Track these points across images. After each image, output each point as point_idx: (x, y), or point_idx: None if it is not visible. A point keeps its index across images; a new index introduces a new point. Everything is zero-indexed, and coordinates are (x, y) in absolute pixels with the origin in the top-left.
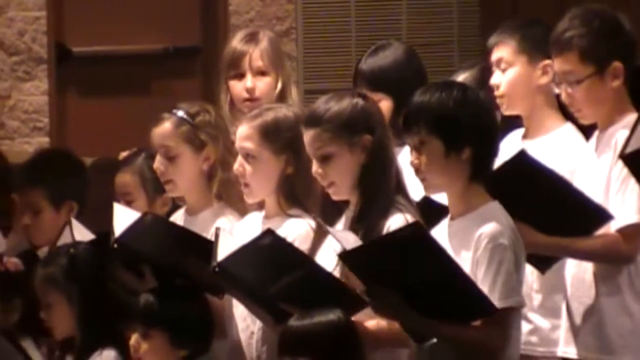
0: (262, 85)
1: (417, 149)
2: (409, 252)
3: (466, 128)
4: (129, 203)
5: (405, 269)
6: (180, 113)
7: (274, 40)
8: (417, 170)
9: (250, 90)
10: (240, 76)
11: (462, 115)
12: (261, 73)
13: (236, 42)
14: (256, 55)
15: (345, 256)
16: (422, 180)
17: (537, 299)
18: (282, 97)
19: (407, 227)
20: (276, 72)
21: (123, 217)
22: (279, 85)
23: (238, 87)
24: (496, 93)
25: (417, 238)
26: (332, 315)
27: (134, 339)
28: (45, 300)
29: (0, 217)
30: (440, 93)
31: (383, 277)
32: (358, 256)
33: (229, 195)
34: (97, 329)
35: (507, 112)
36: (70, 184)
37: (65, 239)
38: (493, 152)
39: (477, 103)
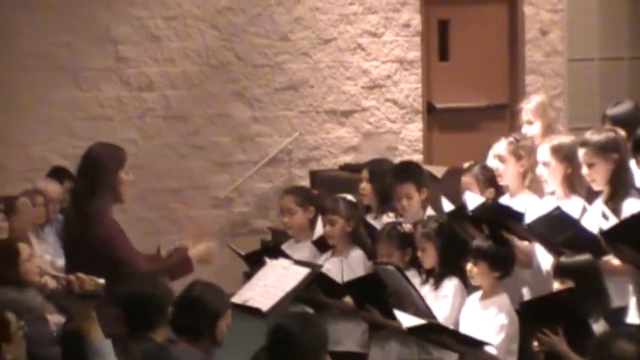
0: (531, 129)
1: None
2: None
3: None
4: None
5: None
6: (511, 138)
7: (540, 101)
8: None
9: (524, 132)
10: (523, 123)
11: None
12: (529, 122)
13: (523, 102)
14: (525, 111)
15: (606, 233)
16: None
17: None
18: (549, 132)
19: None
20: (540, 120)
21: (470, 198)
22: (543, 127)
23: (523, 128)
24: None
25: None
26: (586, 256)
27: (469, 265)
28: (421, 246)
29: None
30: None
31: (624, 238)
32: (613, 230)
33: (535, 186)
34: (449, 264)
35: None
36: (424, 179)
37: (427, 213)
38: None
39: None
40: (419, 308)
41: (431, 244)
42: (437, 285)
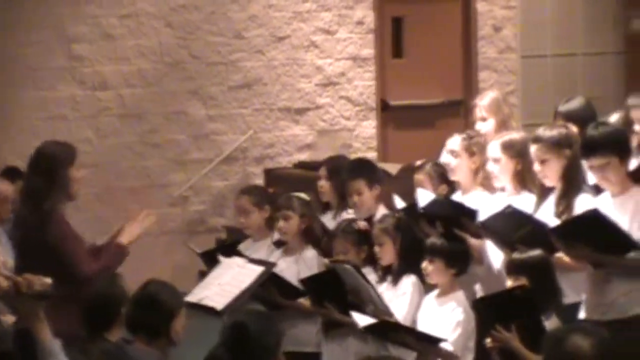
0: (485, 125)
1: (601, 169)
2: (592, 223)
3: (628, 144)
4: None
5: (589, 231)
6: (464, 134)
7: (494, 97)
8: (606, 182)
9: (478, 129)
10: (477, 119)
11: (624, 137)
12: (483, 119)
13: (477, 99)
14: (479, 108)
15: (554, 229)
16: (611, 186)
17: None
18: (503, 128)
19: (590, 210)
20: (494, 117)
21: (422, 195)
22: (497, 124)
23: (476, 125)
24: None
25: (596, 215)
26: (539, 252)
27: (424, 264)
28: (379, 242)
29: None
30: (603, 130)
31: (576, 236)
32: (563, 227)
33: (487, 183)
34: (408, 261)
35: None
36: (376, 175)
37: (382, 210)
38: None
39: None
40: (377, 306)
41: (389, 240)
42: (395, 282)
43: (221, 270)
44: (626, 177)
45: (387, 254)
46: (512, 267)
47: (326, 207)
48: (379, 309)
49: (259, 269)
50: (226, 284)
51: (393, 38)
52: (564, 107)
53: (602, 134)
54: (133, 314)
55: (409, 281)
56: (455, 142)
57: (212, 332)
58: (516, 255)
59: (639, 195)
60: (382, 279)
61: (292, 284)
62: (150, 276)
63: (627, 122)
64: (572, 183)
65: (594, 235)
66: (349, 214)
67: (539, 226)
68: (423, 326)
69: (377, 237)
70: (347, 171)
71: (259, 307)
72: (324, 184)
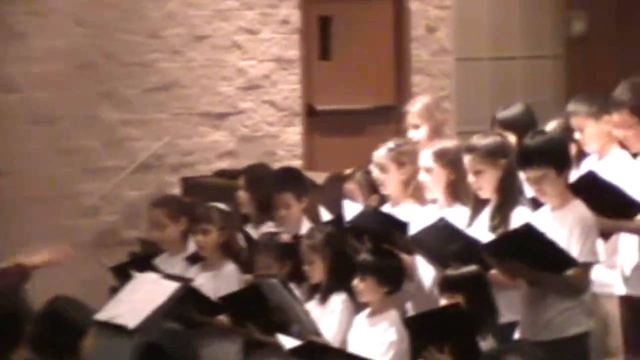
0: (417, 133)
1: (537, 181)
2: (526, 239)
3: (567, 155)
4: (352, 200)
5: (524, 248)
6: (391, 144)
7: (425, 103)
8: (543, 195)
9: (411, 137)
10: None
11: (561, 147)
12: (415, 126)
13: (408, 106)
14: (411, 115)
15: (486, 246)
16: (549, 199)
17: None
18: (436, 136)
19: (524, 226)
20: (426, 124)
21: (349, 208)
22: (430, 131)
23: (409, 132)
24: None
25: (529, 230)
26: (474, 268)
27: (355, 281)
28: (308, 260)
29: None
30: (539, 140)
31: (510, 253)
32: (495, 244)
33: (418, 194)
34: (338, 278)
35: None
36: (305, 187)
37: (306, 223)
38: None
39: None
40: (304, 325)
41: (319, 257)
42: (323, 300)
43: (134, 286)
44: (565, 189)
45: (317, 272)
46: (446, 284)
47: (245, 219)
48: (307, 328)
49: (174, 285)
50: (139, 300)
51: (320, 39)
52: (502, 114)
53: (538, 144)
54: (38, 332)
55: (339, 299)
56: (381, 154)
57: (124, 352)
58: (450, 272)
59: (578, 209)
60: (309, 297)
61: (210, 299)
62: (57, 292)
63: (567, 130)
64: (508, 195)
65: (529, 252)
66: (269, 227)
67: (471, 242)
68: (354, 347)
69: (306, 254)
70: (272, 183)
71: (174, 325)
72: (242, 195)
